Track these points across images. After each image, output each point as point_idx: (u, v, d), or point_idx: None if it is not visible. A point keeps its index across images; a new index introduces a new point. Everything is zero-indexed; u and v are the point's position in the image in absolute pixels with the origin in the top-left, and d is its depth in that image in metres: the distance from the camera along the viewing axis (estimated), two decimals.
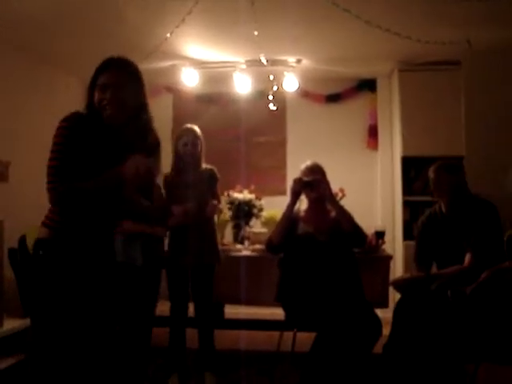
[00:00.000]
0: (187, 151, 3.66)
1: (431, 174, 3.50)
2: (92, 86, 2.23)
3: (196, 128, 3.72)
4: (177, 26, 4.06)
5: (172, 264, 3.68)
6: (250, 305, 4.22)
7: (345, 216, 3.42)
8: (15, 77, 4.91)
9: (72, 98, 6.02)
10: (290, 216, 3.44)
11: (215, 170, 3.78)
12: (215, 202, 3.69)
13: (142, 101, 2.29)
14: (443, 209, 3.48)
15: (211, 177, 3.74)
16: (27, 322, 3.68)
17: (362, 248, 3.67)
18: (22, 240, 4.16)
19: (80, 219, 2.18)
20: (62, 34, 4.57)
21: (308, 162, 3.61)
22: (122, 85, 2.21)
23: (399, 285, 3.41)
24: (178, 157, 3.70)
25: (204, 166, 3.75)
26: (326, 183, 3.45)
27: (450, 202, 3.43)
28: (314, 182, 3.43)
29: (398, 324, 3.15)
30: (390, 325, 3.17)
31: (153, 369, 4.06)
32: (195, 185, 3.64)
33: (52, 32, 4.50)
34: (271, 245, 3.49)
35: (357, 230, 3.44)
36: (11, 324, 3.54)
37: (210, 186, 3.72)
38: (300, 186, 3.43)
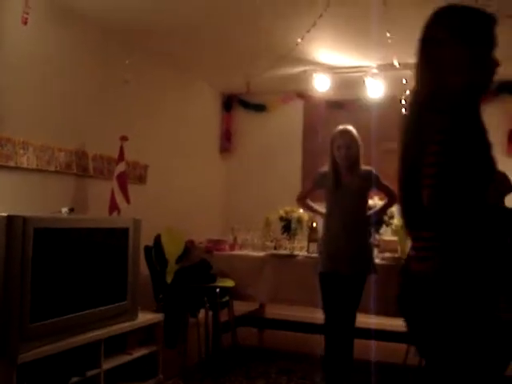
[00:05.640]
0: (341, 154, 3.56)
1: None
2: None
3: (351, 129, 3.60)
4: (308, 31, 4.08)
5: (325, 272, 3.63)
6: (379, 315, 4.05)
7: None
8: (152, 83, 5.17)
9: (205, 105, 6.26)
10: None
11: (373, 170, 3.67)
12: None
13: None
14: None
15: (369, 177, 3.63)
16: (160, 316, 3.88)
17: None
18: (157, 239, 4.40)
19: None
20: (197, 44, 4.75)
21: None
22: None
23: None
24: (332, 159, 3.61)
25: (363, 167, 3.64)
26: None
27: None
28: None
29: None
30: None
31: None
32: (349, 188, 3.58)
33: (189, 42, 4.71)
34: None
35: None
36: (145, 317, 3.75)
37: (368, 185, 3.64)
38: None
